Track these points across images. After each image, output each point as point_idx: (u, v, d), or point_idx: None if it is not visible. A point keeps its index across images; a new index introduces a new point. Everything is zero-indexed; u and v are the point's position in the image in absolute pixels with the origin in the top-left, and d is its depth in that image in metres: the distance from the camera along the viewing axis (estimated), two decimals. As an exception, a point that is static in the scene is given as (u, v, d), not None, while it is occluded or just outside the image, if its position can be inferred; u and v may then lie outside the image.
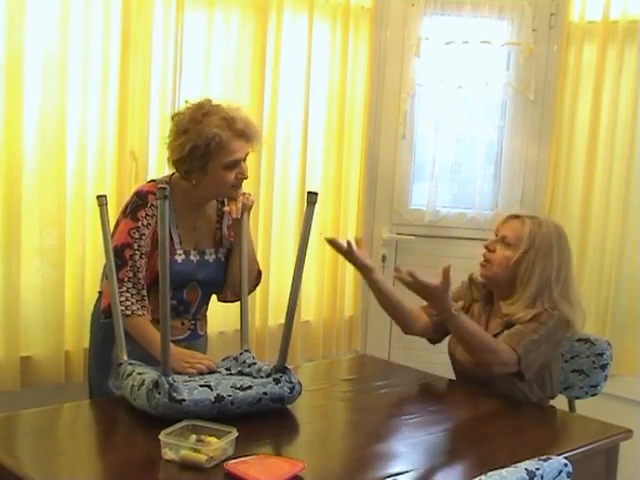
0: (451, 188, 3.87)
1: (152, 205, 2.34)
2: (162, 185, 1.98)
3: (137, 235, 2.32)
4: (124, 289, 2.29)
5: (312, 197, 2.08)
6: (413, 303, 2.58)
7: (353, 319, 3.77)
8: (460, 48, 3.67)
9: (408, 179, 3.86)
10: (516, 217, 2.53)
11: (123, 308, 2.25)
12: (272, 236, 3.38)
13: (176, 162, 2.35)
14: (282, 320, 2.20)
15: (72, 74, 2.75)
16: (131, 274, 2.30)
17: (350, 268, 3.69)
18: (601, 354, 2.72)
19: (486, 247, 2.53)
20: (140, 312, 2.29)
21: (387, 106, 3.78)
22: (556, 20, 3.67)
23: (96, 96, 2.83)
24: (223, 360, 2.33)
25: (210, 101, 2.38)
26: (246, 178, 2.41)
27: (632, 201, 3.48)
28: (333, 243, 2.48)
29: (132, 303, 2.29)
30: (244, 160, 2.38)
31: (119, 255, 2.30)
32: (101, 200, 2.18)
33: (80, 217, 2.81)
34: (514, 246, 2.47)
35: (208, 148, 2.29)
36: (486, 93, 3.75)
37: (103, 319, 2.33)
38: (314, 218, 2.11)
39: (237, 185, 2.39)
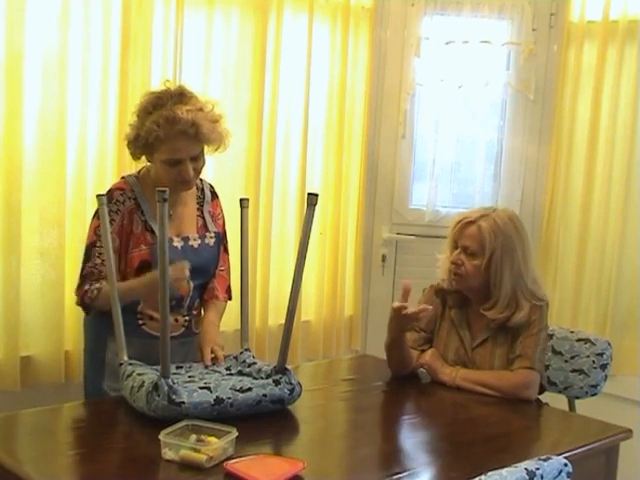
0: (451, 188, 3.88)
1: (117, 201, 2.34)
2: (161, 189, 1.97)
3: (102, 232, 2.26)
4: (87, 285, 2.31)
5: (312, 199, 2.07)
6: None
7: (353, 319, 3.77)
8: (460, 48, 3.67)
9: (408, 179, 3.86)
10: (470, 222, 2.46)
11: (91, 297, 2.29)
12: (272, 236, 3.38)
13: (127, 143, 2.36)
14: (282, 320, 2.19)
15: (72, 74, 2.75)
16: (90, 270, 2.31)
17: (350, 268, 3.72)
18: (601, 354, 2.73)
19: (453, 262, 2.48)
20: (103, 283, 2.28)
21: (387, 106, 3.78)
22: (556, 20, 3.67)
23: (96, 96, 2.83)
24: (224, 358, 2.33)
25: (181, 91, 2.32)
26: (188, 179, 2.33)
27: (632, 201, 3.48)
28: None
29: (95, 287, 2.29)
30: (193, 159, 2.31)
31: (87, 253, 2.33)
32: (101, 200, 2.19)
33: (80, 217, 2.81)
34: (479, 253, 2.45)
35: (148, 141, 2.27)
36: (486, 93, 3.75)
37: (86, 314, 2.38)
38: (314, 218, 2.11)
39: (182, 182, 2.33)
